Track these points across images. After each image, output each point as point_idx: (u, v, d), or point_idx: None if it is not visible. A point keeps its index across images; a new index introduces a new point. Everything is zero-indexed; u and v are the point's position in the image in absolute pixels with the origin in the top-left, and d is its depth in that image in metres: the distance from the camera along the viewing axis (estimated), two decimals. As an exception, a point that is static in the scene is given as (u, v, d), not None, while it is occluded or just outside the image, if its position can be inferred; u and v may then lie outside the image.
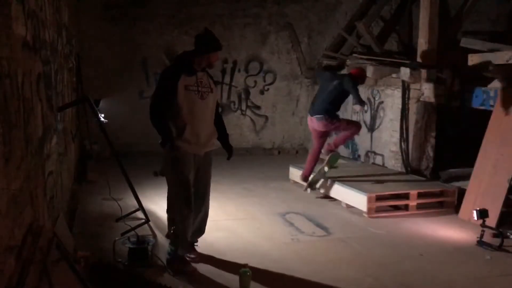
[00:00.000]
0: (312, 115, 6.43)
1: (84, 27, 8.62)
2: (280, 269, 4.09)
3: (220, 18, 9.41)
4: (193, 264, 4.09)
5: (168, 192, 4.20)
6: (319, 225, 5.30)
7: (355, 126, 6.49)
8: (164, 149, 3.98)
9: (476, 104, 5.95)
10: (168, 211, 4.24)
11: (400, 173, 6.94)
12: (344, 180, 6.26)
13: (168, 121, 3.97)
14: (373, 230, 5.19)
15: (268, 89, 9.90)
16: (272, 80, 9.92)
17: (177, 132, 3.98)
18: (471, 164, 5.73)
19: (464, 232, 5.14)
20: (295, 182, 7.14)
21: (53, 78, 4.17)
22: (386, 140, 7.55)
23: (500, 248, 4.60)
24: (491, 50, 5.90)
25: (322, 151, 6.46)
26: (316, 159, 6.61)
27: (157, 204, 5.91)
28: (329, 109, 6.30)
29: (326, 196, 6.41)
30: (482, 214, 4.78)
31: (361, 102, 6.21)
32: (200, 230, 4.33)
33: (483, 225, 4.75)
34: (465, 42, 6.43)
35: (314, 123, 6.41)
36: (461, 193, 5.82)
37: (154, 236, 4.77)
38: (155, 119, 3.97)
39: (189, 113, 3.99)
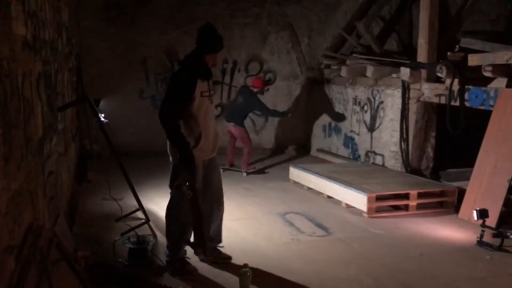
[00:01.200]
0: (228, 121, 7.99)
1: (84, 27, 8.61)
2: (280, 269, 4.09)
3: (220, 18, 9.40)
4: (193, 265, 4.08)
5: (172, 199, 4.08)
6: (319, 225, 5.30)
7: (250, 141, 8.02)
8: (183, 161, 3.76)
9: (476, 104, 5.95)
10: (169, 216, 4.11)
11: (400, 173, 6.94)
12: (344, 179, 6.27)
13: (181, 131, 3.76)
14: (373, 230, 5.19)
15: (268, 89, 9.89)
16: (272, 80, 9.92)
17: (194, 142, 3.81)
18: (471, 164, 5.73)
19: (464, 232, 5.14)
20: (295, 182, 7.14)
21: (53, 78, 4.16)
22: (386, 140, 7.55)
23: (500, 248, 4.60)
24: (491, 50, 5.91)
25: (243, 170, 7.90)
26: (233, 149, 8.21)
27: (157, 204, 5.91)
28: (243, 120, 7.99)
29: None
30: (482, 214, 4.78)
31: (269, 113, 8.69)
32: (220, 234, 4.28)
33: (483, 225, 4.75)
34: (465, 42, 6.43)
35: (231, 128, 7.97)
36: (461, 193, 5.82)
37: (154, 236, 4.77)
38: (173, 132, 3.72)
39: (204, 120, 3.84)
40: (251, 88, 8.12)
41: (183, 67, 3.99)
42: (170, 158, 3.99)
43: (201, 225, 3.92)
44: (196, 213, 3.90)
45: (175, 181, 3.96)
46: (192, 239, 4.04)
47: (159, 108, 3.83)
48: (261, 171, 8.14)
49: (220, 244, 4.30)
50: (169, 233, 4.08)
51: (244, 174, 7.82)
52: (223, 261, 4.16)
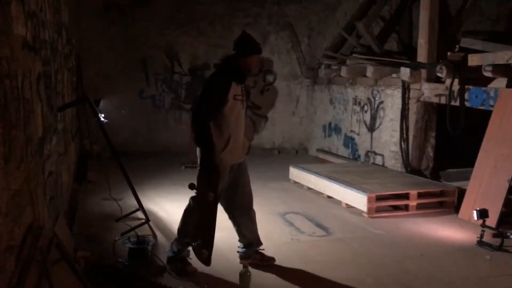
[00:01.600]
0: None
1: (84, 27, 8.62)
2: (280, 269, 4.09)
3: (220, 18, 9.41)
4: (194, 265, 4.08)
5: (196, 198, 4.01)
6: (319, 225, 5.30)
7: None
8: (205, 164, 3.77)
9: (476, 104, 5.95)
10: (188, 213, 4.04)
11: (400, 173, 6.94)
12: (344, 179, 6.27)
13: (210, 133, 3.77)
14: (373, 230, 5.19)
15: (268, 89, 9.90)
16: (272, 80, 9.92)
17: (223, 144, 3.82)
18: (471, 164, 5.73)
19: (464, 232, 5.15)
20: (295, 182, 7.14)
21: (53, 78, 4.16)
22: (386, 140, 7.56)
23: (500, 248, 4.60)
24: (491, 50, 5.90)
25: None
26: None
27: (157, 204, 5.91)
28: None
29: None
30: (482, 214, 4.78)
31: None
32: (259, 237, 4.24)
33: (483, 225, 4.75)
34: (465, 42, 6.43)
35: None
36: (461, 193, 5.82)
37: (154, 236, 4.77)
38: (203, 133, 3.74)
39: (234, 123, 3.87)
40: None
41: (218, 69, 4.02)
42: (198, 160, 3.96)
43: (213, 229, 3.92)
44: (212, 216, 3.88)
45: (200, 183, 3.92)
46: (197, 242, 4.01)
47: (192, 108, 3.87)
48: None
49: (261, 247, 4.26)
50: (181, 229, 4.02)
51: None
52: (267, 263, 4.15)
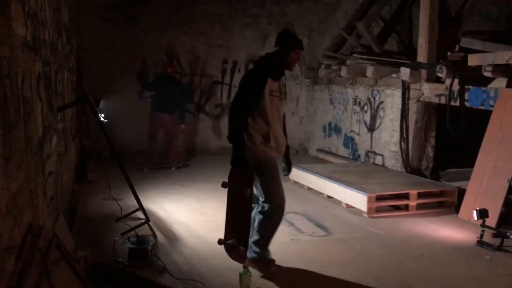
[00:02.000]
0: (164, 112, 8.02)
1: (84, 27, 8.61)
2: (280, 269, 4.09)
3: (220, 18, 9.41)
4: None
5: (266, 197, 3.95)
6: (319, 225, 5.30)
7: (177, 137, 8.39)
8: (236, 161, 3.80)
9: (476, 104, 5.95)
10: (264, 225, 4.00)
11: (400, 173, 6.94)
12: (344, 179, 6.27)
13: (248, 127, 3.84)
14: (373, 230, 5.20)
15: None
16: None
17: (263, 138, 3.87)
18: (471, 164, 5.73)
19: (464, 232, 5.15)
20: (295, 182, 7.14)
21: (53, 78, 4.16)
22: (386, 140, 7.56)
23: (500, 248, 4.60)
24: (491, 50, 5.91)
25: (174, 165, 8.11)
26: (157, 145, 8.32)
27: (157, 204, 5.91)
28: (180, 110, 8.14)
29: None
30: (482, 214, 4.78)
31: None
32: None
33: (483, 225, 4.75)
34: (465, 42, 6.43)
35: (166, 119, 8.06)
36: (461, 193, 5.82)
37: (154, 236, 4.77)
38: (236, 127, 3.80)
39: (272, 119, 3.91)
40: (172, 74, 8.33)
41: (256, 65, 4.08)
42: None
43: (249, 225, 3.95)
44: (248, 212, 3.91)
45: (234, 180, 3.94)
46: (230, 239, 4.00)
47: (231, 104, 3.94)
48: (185, 165, 8.45)
49: None
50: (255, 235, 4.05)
51: (173, 168, 8.05)
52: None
